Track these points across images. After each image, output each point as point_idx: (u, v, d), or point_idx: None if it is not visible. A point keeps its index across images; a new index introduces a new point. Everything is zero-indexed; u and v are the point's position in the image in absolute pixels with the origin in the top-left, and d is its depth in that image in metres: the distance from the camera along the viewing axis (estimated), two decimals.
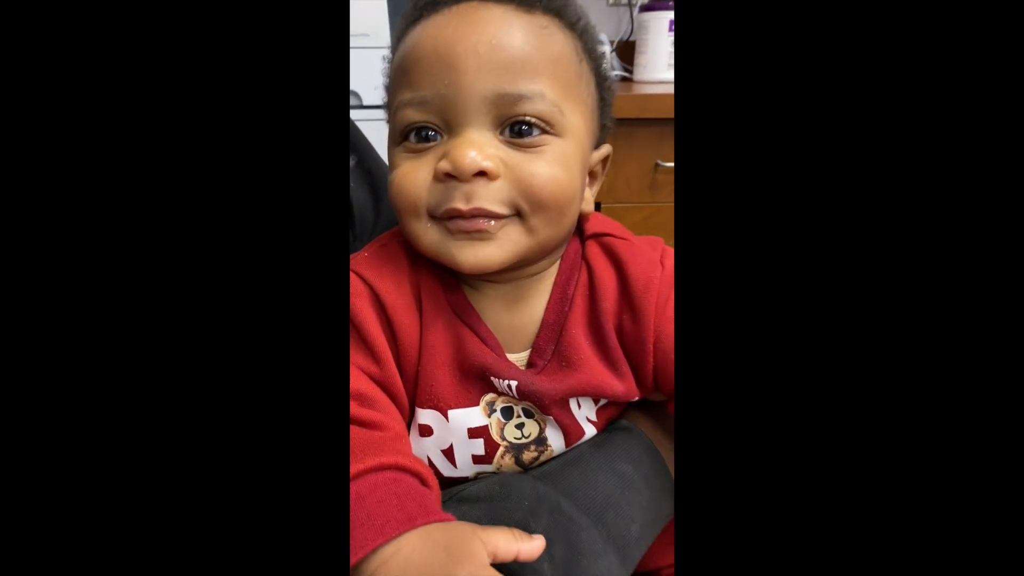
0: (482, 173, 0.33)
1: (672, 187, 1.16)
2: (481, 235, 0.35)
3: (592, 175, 0.41)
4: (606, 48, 1.49)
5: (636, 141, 1.15)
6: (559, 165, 0.35)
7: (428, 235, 0.36)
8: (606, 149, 0.42)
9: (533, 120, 0.34)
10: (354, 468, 0.31)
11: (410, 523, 0.30)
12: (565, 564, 0.32)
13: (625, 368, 0.40)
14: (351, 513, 0.30)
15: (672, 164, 1.14)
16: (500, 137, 0.35)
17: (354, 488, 0.31)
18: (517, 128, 0.34)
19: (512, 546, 0.30)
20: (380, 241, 0.42)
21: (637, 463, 0.40)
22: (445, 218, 0.35)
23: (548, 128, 0.35)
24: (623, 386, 0.39)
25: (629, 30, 1.60)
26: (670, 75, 1.41)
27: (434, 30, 0.35)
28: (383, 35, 1.09)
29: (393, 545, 0.29)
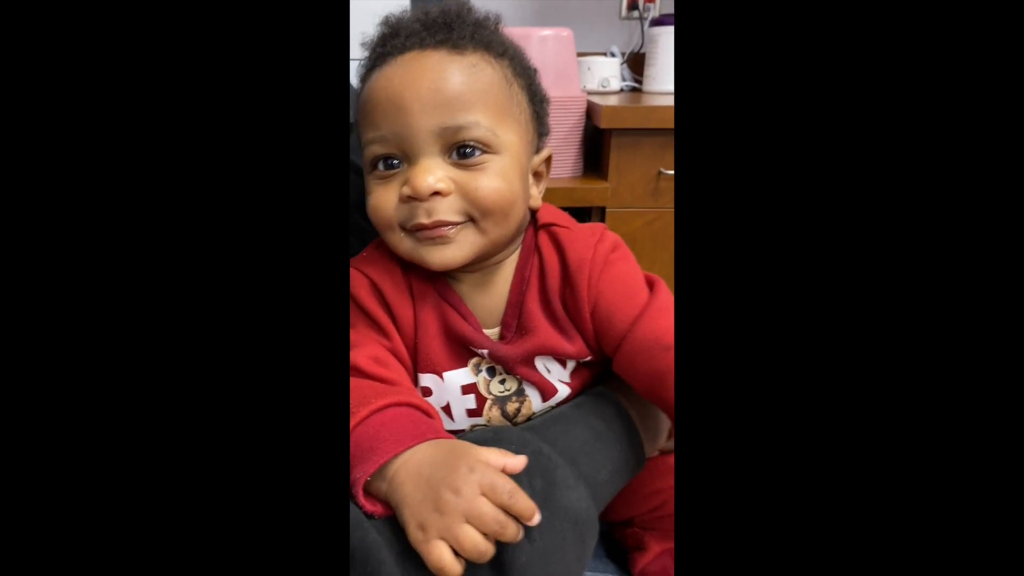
0: (437, 193, 0.41)
1: (673, 193, 1.22)
2: (443, 240, 0.43)
3: (537, 175, 0.49)
4: (616, 60, 1.55)
5: (641, 149, 1.22)
6: (499, 177, 0.43)
7: (403, 243, 0.44)
8: (546, 152, 0.50)
9: (473, 144, 0.42)
10: (376, 403, 0.39)
11: (422, 437, 0.38)
12: (543, 492, 0.39)
13: (573, 332, 0.47)
14: (376, 433, 0.37)
15: (673, 172, 1.21)
16: (449, 160, 0.42)
17: (378, 418, 0.38)
18: (461, 151, 0.42)
19: (501, 459, 0.37)
20: (375, 243, 0.50)
21: (609, 421, 0.46)
22: (414, 230, 0.43)
23: (487, 148, 0.42)
24: (573, 347, 0.47)
25: (640, 43, 1.67)
26: None
27: (385, 81, 0.43)
28: None
29: (409, 452, 0.37)
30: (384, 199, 0.43)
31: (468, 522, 0.33)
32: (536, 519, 0.35)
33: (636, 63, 1.65)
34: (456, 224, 0.43)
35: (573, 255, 0.46)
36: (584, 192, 1.23)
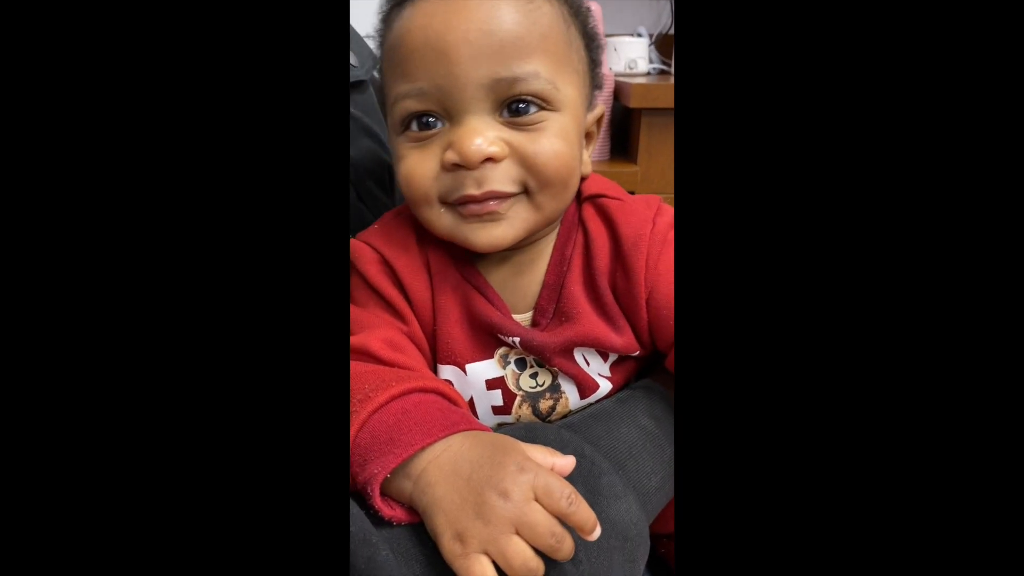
0: (490, 159, 0.35)
1: None
2: (492, 216, 0.36)
3: (588, 136, 0.42)
4: (644, 40, 1.49)
5: (671, 133, 1.15)
6: (560, 139, 0.36)
7: (442, 220, 0.38)
8: (599, 110, 0.43)
9: (530, 99, 0.35)
10: (397, 388, 0.32)
11: (454, 428, 0.31)
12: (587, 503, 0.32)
13: (623, 322, 0.40)
14: (397, 422, 0.31)
15: None
16: (500, 118, 0.36)
17: (398, 404, 0.32)
18: (515, 107, 0.35)
19: (548, 458, 0.30)
20: (390, 215, 0.44)
21: (659, 420, 0.40)
22: (459, 203, 0.36)
23: (545, 105, 0.36)
24: (621, 340, 0.40)
25: (669, 24, 1.59)
26: None
27: (423, 19, 0.35)
28: None
29: (442, 444, 0.30)
30: (421, 167, 0.37)
31: (518, 533, 0.27)
32: (597, 533, 0.29)
33: (664, 45, 1.58)
34: (509, 196, 0.36)
35: (628, 231, 0.39)
36: (612, 176, 1.15)
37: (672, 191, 1.18)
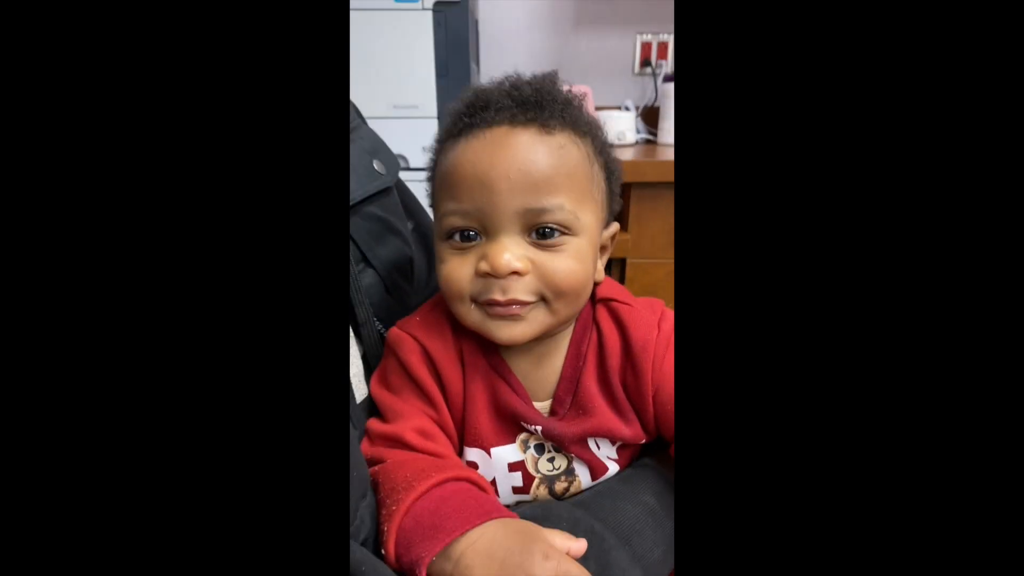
0: (515, 272, 0.42)
1: None
2: (513, 317, 0.43)
3: (603, 248, 0.49)
4: (631, 114, 1.59)
5: (660, 203, 1.23)
6: (576, 260, 0.43)
7: (471, 315, 0.44)
8: (614, 228, 0.50)
9: (554, 226, 0.42)
10: (436, 477, 0.39)
11: (488, 516, 0.37)
12: None
13: (632, 416, 0.47)
14: (437, 508, 0.37)
15: None
16: (527, 239, 0.43)
17: (438, 492, 0.38)
18: (541, 231, 0.42)
19: (566, 542, 0.36)
20: (427, 307, 0.50)
21: (659, 495, 0.45)
22: (486, 304, 0.43)
23: (566, 231, 0.43)
24: (630, 431, 0.46)
25: (654, 97, 1.71)
26: None
27: (472, 155, 0.43)
28: (430, 107, 1.21)
29: (478, 531, 0.36)
30: (459, 271, 0.44)
31: None
32: None
33: (650, 116, 1.69)
34: (528, 303, 0.43)
35: (637, 335, 0.46)
36: None
37: (660, 256, 1.26)
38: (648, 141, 1.66)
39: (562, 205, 0.42)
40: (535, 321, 0.43)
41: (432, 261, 0.63)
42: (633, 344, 0.46)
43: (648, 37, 1.70)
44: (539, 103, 0.43)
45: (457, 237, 0.44)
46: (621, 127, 1.54)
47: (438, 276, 0.45)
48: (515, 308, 0.43)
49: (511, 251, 0.42)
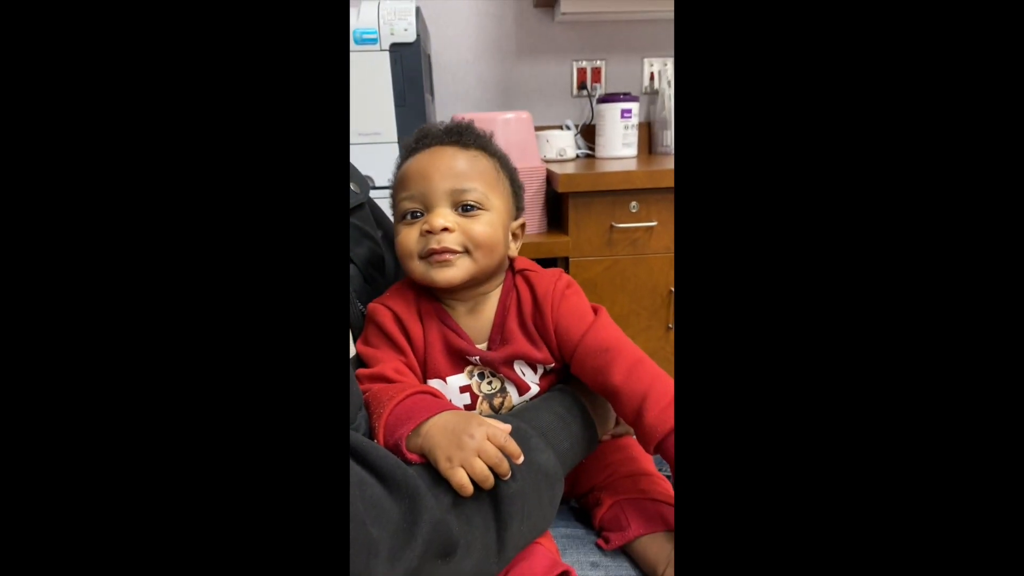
0: (445, 229, 0.61)
1: (624, 243, 1.43)
2: (447, 263, 0.62)
3: (515, 235, 0.70)
4: (571, 132, 1.80)
5: (594, 208, 1.43)
6: (488, 225, 0.63)
7: (418, 267, 0.64)
8: (521, 220, 0.71)
9: (472, 202, 0.63)
10: (407, 391, 0.57)
11: (443, 408, 0.55)
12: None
13: (541, 344, 0.66)
14: (409, 409, 0.55)
15: (623, 225, 1.43)
16: (455, 213, 0.63)
17: (409, 400, 0.56)
18: (464, 207, 0.63)
19: (497, 424, 0.54)
20: (395, 287, 0.70)
21: (568, 407, 0.64)
22: (427, 255, 0.63)
23: (480, 206, 0.63)
24: (540, 354, 0.66)
25: (590, 116, 1.93)
26: (623, 152, 1.72)
27: (416, 162, 0.64)
28: (391, 133, 1.39)
29: (436, 416, 0.53)
30: (409, 235, 0.63)
31: (479, 456, 0.50)
32: (521, 459, 0.52)
33: (588, 133, 1.90)
34: (456, 252, 0.62)
35: (541, 289, 0.66)
36: (549, 245, 1.44)
37: (596, 255, 1.46)
38: (587, 155, 1.87)
39: (476, 188, 0.63)
40: (462, 268, 0.63)
41: (397, 260, 0.82)
42: (539, 295, 0.66)
43: (583, 63, 1.91)
44: (460, 132, 0.66)
45: (408, 216, 0.64)
46: (562, 144, 1.75)
47: (395, 244, 0.65)
48: (447, 256, 0.62)
49: (443, 216, 0.62)
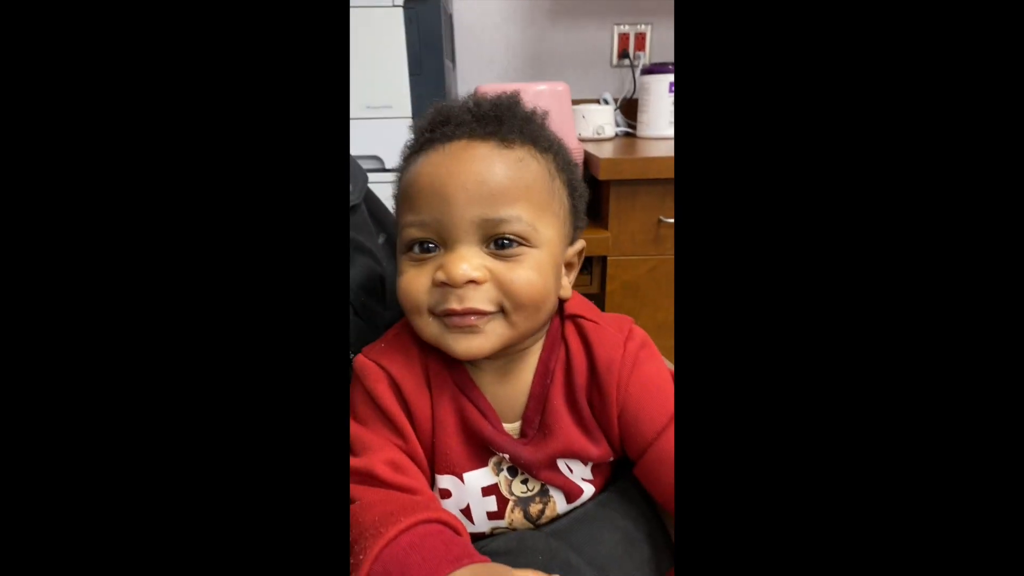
0: (472, 281, 0.41)
1: (673, 241, 1.22)
2: (471, 329, 0.42)
3: (569, 265, 0.48)
4: (610, 107, 1.58)
5: (639, 199, 1.22)
6: (535, 271, 0.42)
7: (429, 328, 0.43)
8: (580, 244, 0.49)
9: (513, 236, 0.42)
10: (405, 522, 0.37)
11: (459, 562, 0.36)
12: None
13: (599, 435, 0.46)
14: (404, 559, 0.35)
15: (672, 220, 1.22)
16: (486, 249, 0.42)
17: (407, 538, 0.37)
18: (499, 242, 0.42)
19: None
20: (393, 331, 0.49)
21: (636, 520, 0.45)
22: (443, 315, 0.42)
23: (524, 242, 0.42)
24: (598, 450, 0.46)
25: (632, 89, 1.70)
26: (669, 131, 1.49)
27: (431, 167, 0.43)
28: (404, 107, 1.18)
29: None
30: (416, 282, 0.43)
31: None
32: None
33: (629, 109, 1.68)
34: (487, 314, 0.42)
35: (602, 353, 0.45)
36: (586, 241, 1.23)
37: (640, 253, 1.25)
38: (627, 134, 1.65)
39: (520, 216, 0.41)
40: (493, 334, 0.42)
41: None
42: (598, 363, 0.45)
43: (626, 28, 1.68)
44: (498, 118, 0.43)
45: (416, 249, 0.43)
46: (600, 121, 1.53)
47: (397, 289, 0.44)
48: (472, 319, 0.42)
49: (468, 260, 0.41)
